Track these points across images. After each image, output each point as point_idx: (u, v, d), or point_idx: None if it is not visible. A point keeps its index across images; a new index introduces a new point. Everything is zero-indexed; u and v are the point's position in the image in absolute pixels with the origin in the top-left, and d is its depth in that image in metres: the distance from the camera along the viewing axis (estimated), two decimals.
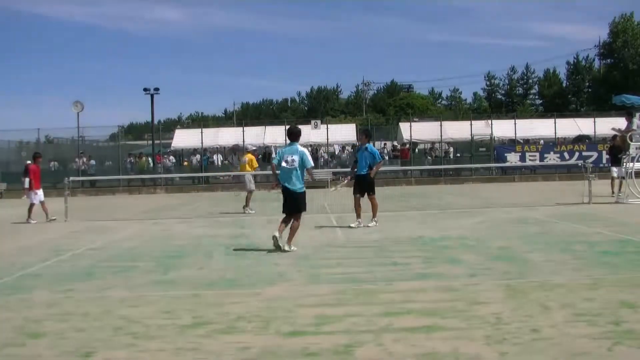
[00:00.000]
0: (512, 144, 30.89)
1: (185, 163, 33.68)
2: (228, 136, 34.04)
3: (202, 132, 31.99)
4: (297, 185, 8.46)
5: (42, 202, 14.37)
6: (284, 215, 8.64)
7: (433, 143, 32.92)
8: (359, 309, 5.01)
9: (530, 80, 71.34)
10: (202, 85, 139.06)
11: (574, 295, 5.27)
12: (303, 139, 34.25)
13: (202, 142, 31.48)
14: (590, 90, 61.25)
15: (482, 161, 29.56)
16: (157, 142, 33.76)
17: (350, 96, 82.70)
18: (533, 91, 71.84)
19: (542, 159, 28.82)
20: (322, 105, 78.55)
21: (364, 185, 10.97)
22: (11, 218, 15.26)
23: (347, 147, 33.75)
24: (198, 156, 31.95)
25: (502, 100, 70.87)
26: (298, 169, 8.43)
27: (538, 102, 70.71)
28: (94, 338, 4.42)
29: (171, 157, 33.81)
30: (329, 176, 25.66)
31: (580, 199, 14.40)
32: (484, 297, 5.32)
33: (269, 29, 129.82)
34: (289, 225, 8.49)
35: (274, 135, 33.13)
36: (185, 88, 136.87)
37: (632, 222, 10.41)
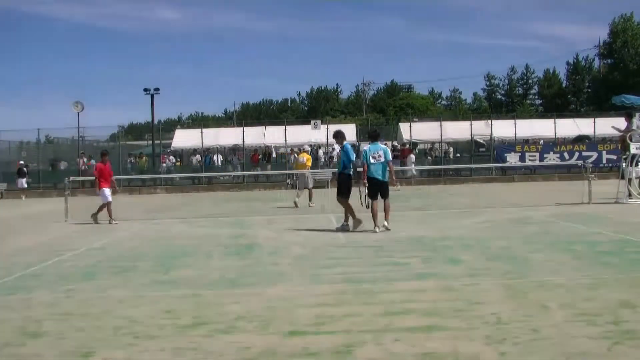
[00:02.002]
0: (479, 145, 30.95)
1: (179, 163, 33.65)
2: (228, 136, 34.06)
3: (202, 132, 32.00)
4: (384, 176, 10.30)
5: (108, 203, 13.27)
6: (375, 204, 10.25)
7: (433, 143, 32.93)
8: (359, 309, 5.01)
9: (530, 81, 71.33)
10: (202, 85, 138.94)
11: (573, 295, 5.27)
12: (302, 139, 34.33)
13: (202, 142, 31.49)
14: (590, 90, 61.25)
15: (482, 161, 29.58)
16: (157, 142, 33.77)
17: (350, 96, 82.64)
18: (533, 91, 71.82)
19: (542, 159, 28.82)
20: (322, 105, 78.47)
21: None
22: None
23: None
24: (198, 156, 31.96)
25: (502, 101, 70.85)
26: (384, 162, 10.24)
27: (538, 102, 70.69)
28: (94, 338, 4.43)
29: (171, 157, 33.81)
30: (328, 176, 25.65)
31: (580, 199, 14.41)
32: (484, 297, 5.32)
33: (269, 29, 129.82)
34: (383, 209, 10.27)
35: (274, 135, 33.12)
36: (185, 88, 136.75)
37: (632, 222, 10.41)
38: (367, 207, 10.38)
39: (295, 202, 15.77)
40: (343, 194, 10.63)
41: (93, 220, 13.10)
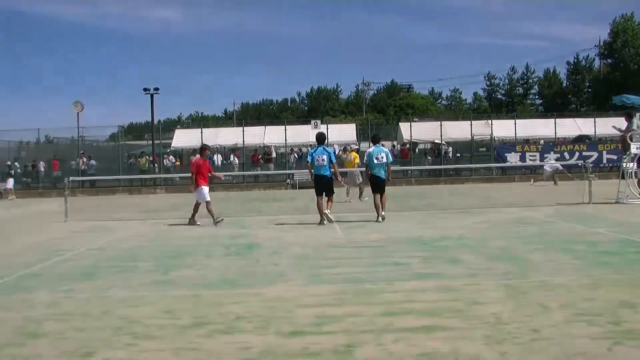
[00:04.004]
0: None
1: (178, 163, 33.62)
2: (228, 136, 34.06)
3: (202, 132, 32.00)
4: (384, 175, 11.96)
5: (207, 202, 12.33)
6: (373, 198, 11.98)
7: (434, 143, 32.95)
8: (359, 309, 5.01)
9: (530, 80, 71.38)
10: (202, 85, 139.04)
11: (574, 295, 5.26)
12: (303, 139, 34.29)
13: (202, 143, 31.44)
14: (590, 90, 61.26)
15: (482, 161, 29.57)
16: (157, 142, 33.76)
17: (350, 96, 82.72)
18: (533, 91, 71.92)
19: (542, 159, 28.83)
20: (322, 105, 78.50)
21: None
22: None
23: (347, 148, 33.77)
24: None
25: (502, 100, 70.87)
26: (385, 163, 11.92)
27: (538, 102, 70.75)
28: (94, 338, 4.42)
29: (171, 157, 33.76)
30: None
31: (580, 199, 14.40)
32: (484, 297, 5.31)
33: (269, 29, 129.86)
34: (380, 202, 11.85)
35: (274, 135, 33.12)
36: (185, 88, 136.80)
37: (632, 222, 10.41)
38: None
39: (347, 200, 16.84)
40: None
41: (190, 224, 12.18)
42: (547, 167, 24.42)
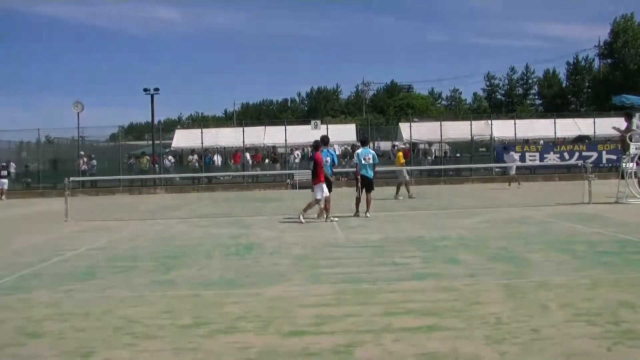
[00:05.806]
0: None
1: (189, 163, 33.56)
2: (228, 136, 34.04)
3: (202, 132, 31.98)
4: (371, 174, 12.90)
5: (326, 198, 12.18)
6: (359, 196, 12.84)
7: (430, 143, 32.98)
8: (359, 309, 5.01)
9: (530, 81, 71.31)
10: (202, 85, 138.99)
11: (573, 295, 5.27)
12: (303, 139, 34.32)
13: (202, 143, 31.46)
14: (590, 90, 61.22)
15: (482, 161, 29.54)
16: (157, 142, 33.73)
17: (350, 96, 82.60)
18: (533, 91, 71.82)
19: (542, 159, 28.82)
20: (322, 105, 78.44)
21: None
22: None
23: (347, 148, 33.76)
24: (196, 156, 31.89)
25: (502, 101, 70.84)
26: (371, 164, 12.87)
27: (538, 102, 70.69)
28: (94, 338, 4.43)
29: (170, 157, 33.72)
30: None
31: (580, 199, 14.40)
32: (484, 297, 5.32)
33: (269, 29, 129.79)
34: (366, 200, 12.71)
35: (274, 135, 33.12)
36: (185, 88, 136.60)
37: (632, 222, 10.41)
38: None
39: (396, 198, 17.96)
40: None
41: (302, 217, 11.89)
42: (513, 164, 23.52)
